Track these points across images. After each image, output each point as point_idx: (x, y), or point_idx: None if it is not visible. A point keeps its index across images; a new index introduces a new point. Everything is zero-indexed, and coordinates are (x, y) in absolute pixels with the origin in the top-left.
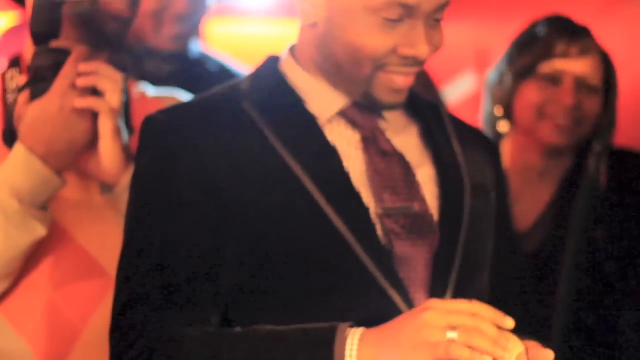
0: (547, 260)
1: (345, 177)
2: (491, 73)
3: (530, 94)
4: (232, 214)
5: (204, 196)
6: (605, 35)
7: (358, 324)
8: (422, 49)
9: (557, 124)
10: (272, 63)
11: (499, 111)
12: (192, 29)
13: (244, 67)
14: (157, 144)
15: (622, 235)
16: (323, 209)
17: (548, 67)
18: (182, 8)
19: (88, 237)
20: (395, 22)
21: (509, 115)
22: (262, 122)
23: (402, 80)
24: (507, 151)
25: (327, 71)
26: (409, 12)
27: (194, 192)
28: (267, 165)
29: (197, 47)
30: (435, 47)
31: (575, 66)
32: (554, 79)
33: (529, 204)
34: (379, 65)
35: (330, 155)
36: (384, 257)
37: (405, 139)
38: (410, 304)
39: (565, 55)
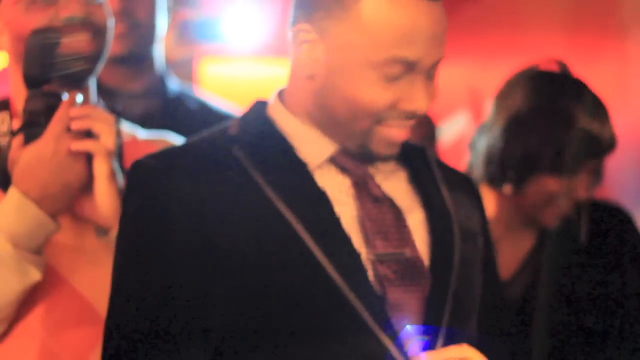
0: (530, 309)
1: (336, 223)
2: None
3: (549, 185)
4: (223, 261)
5: (194, 243)
6: (597, 73)
7: None
8: (421, 104)
9: (561, 212)
10: (260, 108)
11: (507, 189)
12: (139, 31)
13: (228, 105)
14: (146, 189)
15: (602, 288)
16: (315, 255)
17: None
18: None
19: (83, 281)
20: (395, 78)
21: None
22: (252, 168)
23: (400, 133)
24: (489, 200)
25: (322, 121)
26: (410, 68)
27: (184, 238)
28: (258, 212)
29: (175, 85)
30: (431, 99)
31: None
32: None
33: (511, 251)
34: (378, 119)
35: (321, 201)
36: (377, 303)
37: (394, 184)
38: (403, 350)
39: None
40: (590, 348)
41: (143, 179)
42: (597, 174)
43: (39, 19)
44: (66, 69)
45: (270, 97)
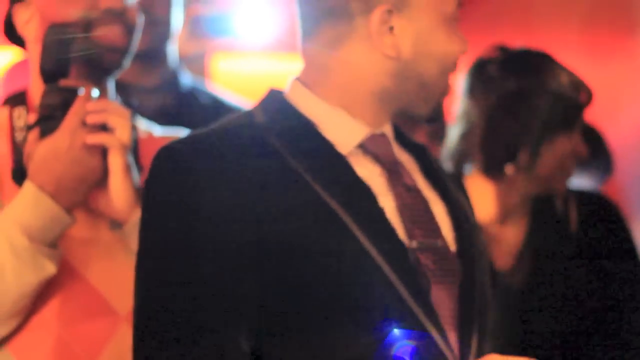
0: (533, 297)
1: (381, 213)
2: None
3: (564, 145)
4: (265, 248)
5: (235, 230)
6: (610, 71)
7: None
8: (466, 43)
9: (569, 174)
10: (279, 96)
11: (509, 170)
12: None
13: (241, 100)
14: (177, 174)
15: (595, 275)
16: (364, 245)
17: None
18: None
19: (97, 274)
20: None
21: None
22: (290, 157)
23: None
24: (485, 189)
25: (401, 93)
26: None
27: (225, 225)
28: (301, 200)
29: (188, 80)
30: None
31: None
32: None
33: (510, 241)
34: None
35: (363, 191)
36: (424, 295)
37: (414, 174)
38: (447, 343)
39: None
40: (589, 334)
41: (174, 164)
42: (591, 161)
43: (76, 8)
44: (99, 60)
45: (288, 86)
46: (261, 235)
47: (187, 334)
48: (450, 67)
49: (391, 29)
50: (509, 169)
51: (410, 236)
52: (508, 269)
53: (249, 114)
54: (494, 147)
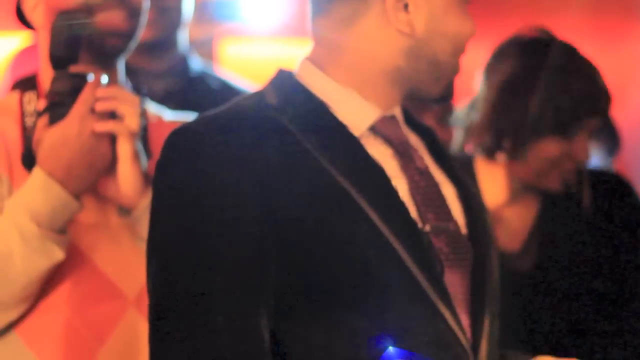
0: (543, 279)
1: (395, 195)
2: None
3: (551, 148)
4: (280, 228)
5: (249, 211)
6: (620, 56)
7: (412, 344)
8: (474, 26)
9: (565, 177)
10: (289, 77)
11: (500, 158)
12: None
13: (250, 84)
14: (191, 156)
15: (609, 252)
16: (379, 227)
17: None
18: None
19: (105, 259)
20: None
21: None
22: (303, 137)
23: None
24: (490, 171)
25: (413, 72)
26: None
27: (239, 206)
28: (315, 181)
29: (197, 64)
30: None
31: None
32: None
33: (518, 221)
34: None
35: (377, 172)
36: (438, 277)
37: (424, 157)
38: (460, 325)
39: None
40: (602, 312)
41: (188, 146)
42: (598, 135)
43: None
44: (101, 45)
45: (298, 66)
46: (274, 217)
47: (204, 320)
48: (460, 48)
49: (406, 6)
50: (499, 156)
51: (424, 219)
52: (515, 252)
53: (260, 94)
54: (486, 131)
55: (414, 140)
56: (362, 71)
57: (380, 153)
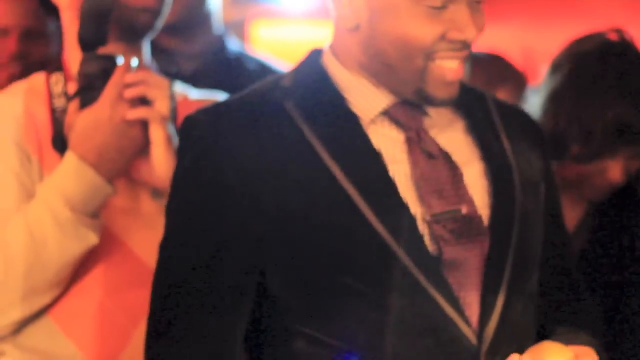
0: (589, 267)
1: (388, 181)
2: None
3: (573, 169)
4: (273, 217)
5: (244, 199)
6: None
7: (405, 329)
8: (469, 31)
9: (597, 194)
10: (315, 57)
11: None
12: None
13: (287, 66)
14: (197, 146)
15: None
16: (365, 214)
17: None
18: None
19: (139, 242)
20: (439, 9)
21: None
22: (303, 123)
23: (453, 69)
24: None
25: (375, 71)
26: None
27: (234, 194)
28: (308, 169)
29: (234, 45)
30: (480, 29)
31: None
32: None
33: (568, 207)
34: (429, 53)
35: (373, 159)
36: (430, 263)
37: (451, 135)
38: (460, 311)
39: None
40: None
41: (194, 135)
42: (638, 159)
43: None
44: (131, 21)
45: (325, 46)
46: (267, 203)
47: (202, 293)
48: (416, 52)
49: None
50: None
51: (426, 206)
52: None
53: (280, 77)
54: (554, 134)
55: (449, 117)
56: (352, 64)
57: (391, 138)
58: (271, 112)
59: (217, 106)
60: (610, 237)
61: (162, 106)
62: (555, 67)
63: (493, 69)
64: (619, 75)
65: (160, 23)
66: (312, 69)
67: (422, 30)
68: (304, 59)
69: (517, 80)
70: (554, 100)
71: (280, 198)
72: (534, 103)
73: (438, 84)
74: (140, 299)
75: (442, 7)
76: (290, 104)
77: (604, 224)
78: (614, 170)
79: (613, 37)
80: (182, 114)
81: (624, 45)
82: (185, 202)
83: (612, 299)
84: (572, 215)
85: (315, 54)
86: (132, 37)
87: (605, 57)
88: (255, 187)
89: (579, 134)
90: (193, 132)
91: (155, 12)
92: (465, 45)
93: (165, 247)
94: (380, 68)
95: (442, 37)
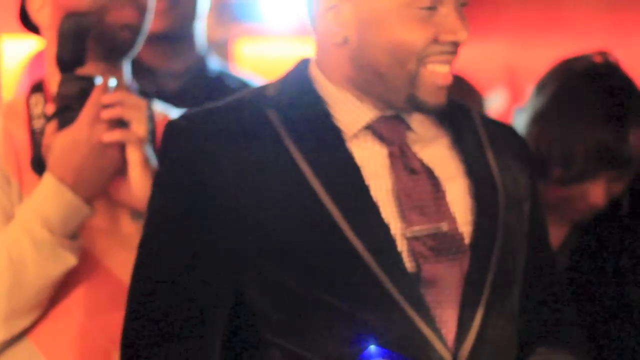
0: (574, 283)
1: (370, 201)
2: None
3: (555, 191)
4: (250, 227)
5: (221, 206)
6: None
7: (380, 346)
8: (461, 33)
9: (580, 216)
10: (302, 68)
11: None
12: (181, 7)
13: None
14: (178, 150)
15: None
16: (342, 229)
17: None
18: None
19: (118, 263)
20: (429, 9)
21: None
22: (285, 134)
23: (444, 72)
24: None
25: (364, 83)
26: None
27: (211, 202)
28: (289, 184)
29: (216, 64)
30: (468, 31)
31: None
32: None
33: (551, 228)
34: (421, 58)
35: (355, 176)
36: (406, 280)
37: (435, 150)
38: (436, 329)
39: None
40: (631, 322)
41: (175, 140)
42: (620, 182)
43: None
44: (113, 39)
45: (312, 57)
46: (244, 214)
47: (175, 302)
48: (408, 57)
49: (338, 13)
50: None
51: (407, 222)
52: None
53: (265, 86)
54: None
55: (434, 132)
56: (337, 78)
57: (374, 153)
58: (254, 121)
59: (200, 112)
60: (593, 258)
61: (138, 128)
62: (540, 88)
63: (451, 88)
64: (601, 99)
65: (141, 41)
66: (299, 79)
67: (414, 34)
68: (291, 68)
69: (474, 99)
70: (538, 121)
71: (259, 209)
72: (519, 123)
73: (430, 89)
74: (121, 321)
75: (432, 8)
76: (273, 113)
77: (586, 246)
78: (596, 193)
79: (598, 59)
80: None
81: (609, 68)
82: (163, 206)
83: (596, 318)
84: (554, 236)
85: (303, 64)
86: (112, 56)
87: (588, 80)
88: (234, 197)
89: (561, 156)
90: (174, 136)
91: (137, 30)
92: (455, 47)
93: (142, 250)
94: (370, 78)
95: (434, 41)
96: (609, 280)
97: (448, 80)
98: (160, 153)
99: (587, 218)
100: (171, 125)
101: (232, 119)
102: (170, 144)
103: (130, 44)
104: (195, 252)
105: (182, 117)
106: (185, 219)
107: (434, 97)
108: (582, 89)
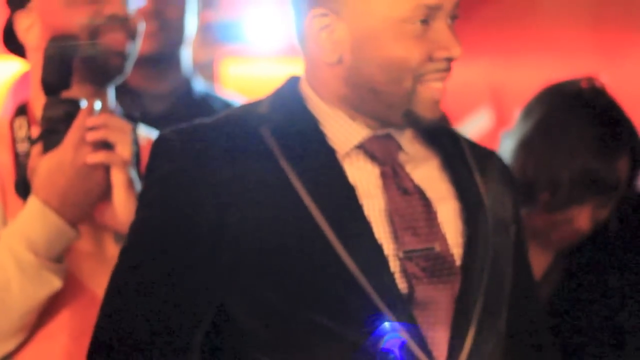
0: (560, 309)
1: (364, 221)
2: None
3: (584, 219)
4: (242, 249)
5: (211, 224)
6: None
7: None
8: (455, 49)
9: (565, 242)
10: (293, 85)
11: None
12: (169, 30)
13: None
14: (167, 165)
15: (637, 282)
16: (336, 248)
17: None
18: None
19: (103, 286)
20: (423, 23)
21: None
22: (278, 152)
23: (439, 87)
24: None
25: (358, 101)
26: (434, 13)
27: (201, 218)
28: (282, 202)
29: (201, 86)
30: (460, 46)
31: None
32: None
33: (536, 254)
34: (417, 76)
35: (349, 195)
36: (399, 300)
37: (426, 171)
38: (427, 351)
39: None
40: (621, 346)
41: (165, 155)
42: (606, 207)
43: (80, 15)
44: (104, 65)
45: (302, 74)
46: (235, 230)
47: (149, 316)
48: (405, 74)
49: (331, 32)
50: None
51: (400, 242)
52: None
53: (257, 103)
54: (523, 180)
55: (424, 154)
56: (328, 97)
57: (367, 172)
58: (246, 137)
59: (190, 127)
60: (580, 282)
61: (123, 150)
62: (527, 113)
63: None
64: (588, 125)
65: (130, 66)
66: (290, 96)
67: (409, 51)
68: (281, 86)
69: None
70: (524, 147)
71: (251, 227)
72: (506, 147)
73: (427, 104)
74: None
75: (425, 22)
76: (266, 130)
77: (572, 271)
78: (582, 219)
79: (585, 85)
80: (146, 157)
81: (595, 93)
82: (147, 219)
83: (586, 342)
84: (540, 262)
85: (293, 82)
86: (101, 81)
87: (575, 106)
88: (225, 213)
89: (547, 183)
90: (164, 150)
91: (127, 56)
92: (449, 64)
93: (121, 259)
94: (365, 96)
95: (429, 58)
96: (598, 304)
97: (442, 94)
98: (148, 167)
99: (572, 244)
100: (161, 139)
101: (223, 135)
102: (159, 158)
103: (120, 69)
104: (182, 266)
105: (172, 132)
106: (175, 232)
107: (430, 112)
108: (568, 115)
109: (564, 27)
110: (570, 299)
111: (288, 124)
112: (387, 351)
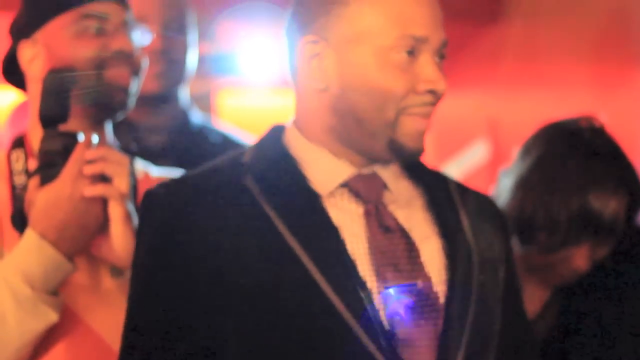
0: (555, 351)
1: (349, 262)
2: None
3: (582, 259)
4: (232, 294)
5: (202, 275)
6: (619, 103)
7: None
8: (440, 83)
9: (563, 280)
10: (276, 133)
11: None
12: (175, 70)
13: (250, 138)
14: (157, 220)
15: (633, 314)
16: (325, 291)
17: None
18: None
19: (100, 321)
20: (408, 54)
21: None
22: (263, 200)
23: (424, 120)
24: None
25: (343, 131)
26: (420, 45)
27: (194, 272)
28: (268, 248)
29: (198, 118)
30: (445, 82)
31: None
32: None
33: (534, 290)
34: (401, 108)
35: (333, 237)
36: (384, 338)
37: (410, 212)
38: None
39: None
40: None
41: (155, 210)
42: (604, 247)
43: (87, 48)
44: (109, 100)
45: (288, 122)
46: (227, 279)
47: None
48: (388, 104)
49: (321, 60)
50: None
51: (382, 279)
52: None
53: (241, 152)
54: (520, 219)
55: (409, 193)
56: (315, 132)
57: (350, 212)
58: (231, 188)
59: (177, 180)
60: (575, 321)
61: (121, 183)
62: (525, 152)
63: None
64: (586, 166)
65: (132, 103)
66: (273, 145)
67: (394, 81)
68: (264, 135)
69: None
70: (522, 186)
71: (241, 274)
72: (504, 185)
73: (409, 134)
74: None
75: (411, 53)
76: (250, 180)
77: (569, 309)
78: (580, 259)
79: (584, 124)
80: (143, 191)
81: (594, 133)
82: (146, 279)
83: None
84: (537, 299)
85: (276, 130)
86: (104, 115)
87: (573, 146)
88: (216, 263)
89: (544, 222)
90: (153, 206)
91: (131, 92)
92: (435, 97)
93: (128, 321)
94: (350, 125)
95: (413, 90)
96: (596, 340)
97: (427, 125)
98: (139, 222)
99: (570, 283)
100: (149, 194)
101: (210, 187)
102: (149, 212)
103: (124, 105)
104: (185, 320)
105: (160, 186)
106: (172, 289)
107: (413, 142)
108: (567, 155)
109: (563, 62)
110: (566, 335)
111: (271, 172)
112: None
